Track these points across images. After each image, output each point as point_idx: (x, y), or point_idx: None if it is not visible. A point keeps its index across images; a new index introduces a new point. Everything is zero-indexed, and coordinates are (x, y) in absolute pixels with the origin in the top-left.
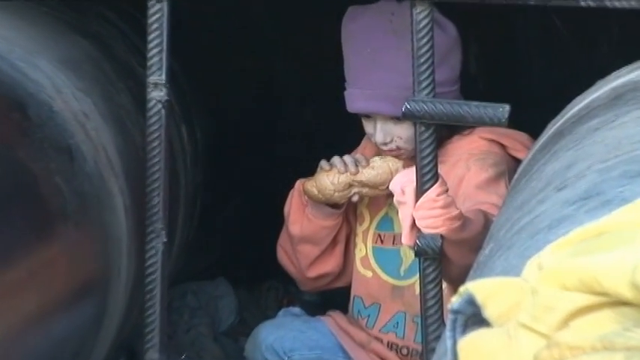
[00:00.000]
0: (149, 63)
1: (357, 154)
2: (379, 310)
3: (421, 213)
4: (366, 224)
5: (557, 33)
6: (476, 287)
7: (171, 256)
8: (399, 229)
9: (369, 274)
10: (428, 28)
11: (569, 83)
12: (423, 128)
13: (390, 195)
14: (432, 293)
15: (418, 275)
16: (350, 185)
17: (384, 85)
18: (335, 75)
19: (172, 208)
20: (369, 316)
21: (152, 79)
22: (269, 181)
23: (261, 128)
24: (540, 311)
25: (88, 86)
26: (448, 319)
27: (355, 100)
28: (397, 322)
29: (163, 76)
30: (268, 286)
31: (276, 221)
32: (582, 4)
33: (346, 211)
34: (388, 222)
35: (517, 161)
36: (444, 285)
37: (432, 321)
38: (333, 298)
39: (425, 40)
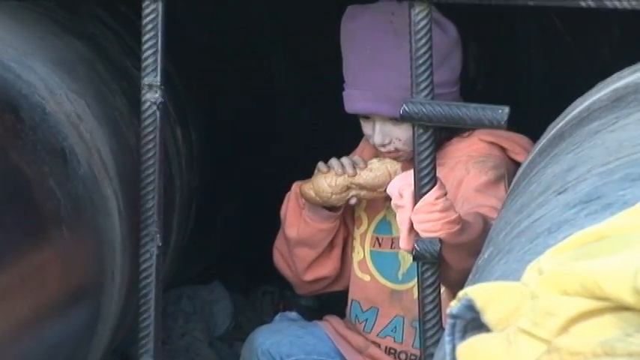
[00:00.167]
0: (143, 64)
1: (355, 156)
2: (377, 315)
3: (419, 217)
4: (363, 227)
5: (557, 34)
6: (475, 292)
7: (166, 260)
8: (397, 233)
9: (367, 277)
10: (426, 29)
11: (569, 85)
12: (421, 130)
13: (389, 198)
14: (430, 298)
15: (416, 279)
16: (348, 188)
17: (383, 86)
18: (333, 75)
19: (167, 211)
20: (366, 320)
21: (147, 80)
22: (266, 183)
23: (258, 129)
24: (540, 316)
25: (81, 88)
26: (447, 323)
27: (354, 101)
28: (395, 327)
29: (158, 78)
30: (264, 291)
31: (273, 224)
32: (582, 4)
33: (344, 214)
34: (386, 225)
35: (517, 164)
36: (442, 289)
37: (430, 326)
38: (330, 302)
39: (423, 41)
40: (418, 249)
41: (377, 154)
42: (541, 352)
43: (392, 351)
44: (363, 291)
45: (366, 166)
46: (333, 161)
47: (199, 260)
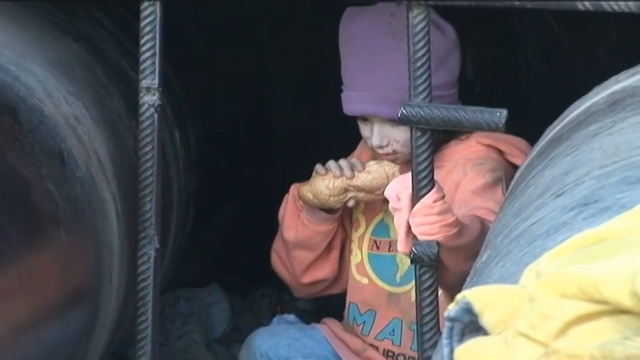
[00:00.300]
0: (141, 67)
1: (353, 158)
2: (375, 317)
3: (417, 220)
4: (361, 230)
5: (555, 37)
6: (473, 295)
7: (164, 263)
8: (395, 236)
9: (365, 280)
10: (424, 32)
11: (567, 88)
12: (419, 133)
13: (386, 201)
14: (428, 301)
15: (414, 282)
16: (346, 190)
17: (382, 88)
18: (331, 77)
19: (165, 214)
20: (364, 322)
21: (144, 83)
22: (264, 185)
23: (256, 132)
24: (539, 319)
25: (79, 90)
26: (445, 326)
27: (352, 103)
28: (393, 330)
29: (156, 80)
30: (262, 293)
31: (271, 227)
32: (580, 7)
33: (342, 217)
34: (384, 228)
35: (514, 167)
36: (440, 292)
37: (427, 328)
38: (327, 305)
39: (421, 43)
40: (416, 252)
41: (375, 156)
42: (539, 355)
43: (390, 354)
44: (361, 294)
45: (363, 168)
46: (331, 163)
47: (197, 262)
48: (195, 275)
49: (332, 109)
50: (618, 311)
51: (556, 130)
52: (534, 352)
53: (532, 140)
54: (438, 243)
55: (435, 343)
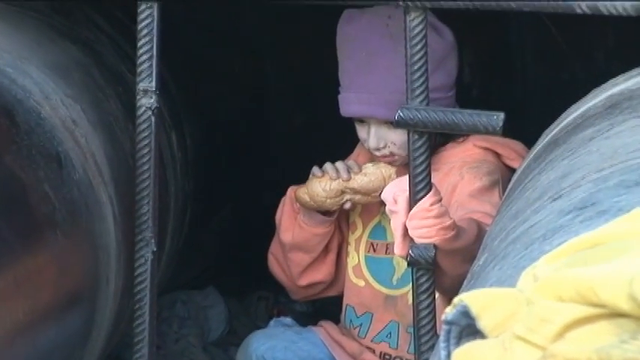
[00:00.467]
0: (139, 69)
1: (350, 160)
2: (371, 320)
3: (414, 223)
4: (358, 232)
5: (553, 40)
6: (470, 298)
7: (161, 265)
8: (392, 238)
9: (362, 283)
10: (422, 35)
11: (564, 91)
12: (416, 136)
13: (383, 203)
14: (425, 304)
15: (411, 285)
16: (342, 192)
17: (379, 89)
18: (328, 79)
19: (162, 217)
20: (361, 325)
21: (142, 85)
22: (261, 188)
23: (253, 134)
24: (536, 322)
25: (76, 93)
26: (442, 330)
27: (350, 104)
28: (390, 332)
29: (153, 83)
30: (259, 296)
31: (268, 230)
32: (577, 10)
33: (338, 219)
34: (381, 230)
35: (511, 170)
36: (437, 295)
37: (424, 331)
38: (324, 308)
39: (419, 46)
40: (413, 255)
41: (372, 159)
42: (536, 358)
43: (386, 356)
44: (358, 296)
45: (360, 170)
46: (328, 166)
47: (194, 265)
48: (195, 276)
49: (330, 111)
50: (616, 315)
51: (553, 133)
52: (532, 356)
53: (529, 143)
54: (435, 246)
55: (432, 347)
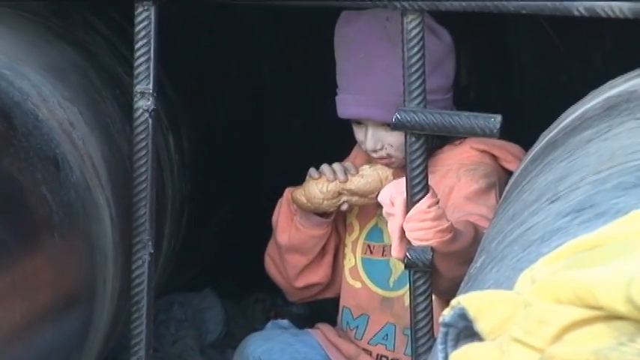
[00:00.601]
0: (136, 71)
1: (347, 162)
2: (368, 322)
3: (411, 225)
4: (355, 234)
5: (550, 42)
6: (468, 300)
7: (158, 267)
8: (389, 240)
9: (358, 284)
10: (419, 38)
11: (562, 93)
12: (413, 139)
13: (380, 205)
14: (422, 306)
15: (408, 287)
16: (339, 194)
17: (377, 91)
18: (326, 81)
19: (159, 219)
20: (357, 327)
21: (139, 87)
22: (258, 190)
23: (250, 136)
24: (534, 325)
25: (74, 95)
26: (439, 332)
27: (347, 106)
28: (387, 334)
29: (150, 85)
30: (256, 298)
31: (265, 232)
32: (575, 12)
33: (335, 221)
34: (378, 232)
35: (508, 172)
36: (434, 297)
37: (422, 334)
38: (321, 310)
39: (416, 49)
40: (410, 257)
41: (369, 160)
42: None
43: (383, 359)
44: (354, 298)
45: (357, 172)
46: (325, 167)
47: (192, 265)
48: (193, 276)
49: (328, 112)
50: (613, 317)
51: (551, 135)
52: (530, 358)
53: (526, 146)
54: (432, 248)
55: (429, 349)
